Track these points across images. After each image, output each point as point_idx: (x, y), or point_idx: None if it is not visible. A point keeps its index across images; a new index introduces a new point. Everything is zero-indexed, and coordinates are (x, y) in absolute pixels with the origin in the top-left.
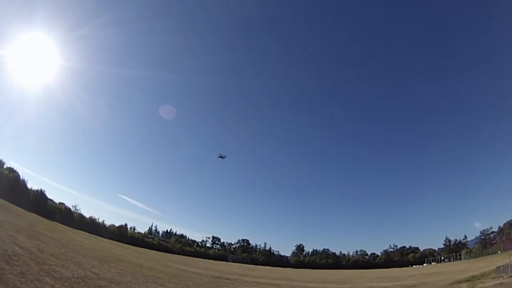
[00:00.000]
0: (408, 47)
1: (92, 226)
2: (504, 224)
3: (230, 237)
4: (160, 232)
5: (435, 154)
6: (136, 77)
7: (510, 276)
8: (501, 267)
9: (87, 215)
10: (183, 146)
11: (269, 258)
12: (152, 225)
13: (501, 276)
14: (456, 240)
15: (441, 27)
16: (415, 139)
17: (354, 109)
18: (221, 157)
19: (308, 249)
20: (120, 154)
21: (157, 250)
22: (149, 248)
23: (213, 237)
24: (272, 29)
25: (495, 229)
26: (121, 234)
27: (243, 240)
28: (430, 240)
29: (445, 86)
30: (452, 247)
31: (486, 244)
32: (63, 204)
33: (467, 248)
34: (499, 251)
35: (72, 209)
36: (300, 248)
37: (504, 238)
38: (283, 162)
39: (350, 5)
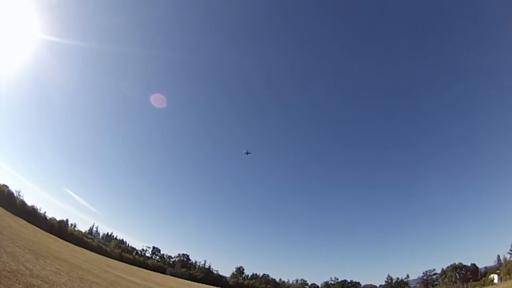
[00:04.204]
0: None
1: (32, 216)
2: (448, 266)
3: (170, 250)
4: (101, 234)
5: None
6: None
7: None
8: None
9: (29, 203)
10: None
11: (208, 276)
12: (93, 225)
13: None
14: (398, 278)
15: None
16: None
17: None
18: (247, 153)
19: (247, 272)
20: (71, 145)
21: (95, 252)
22: (87, 249)
23: (154, 247)
24: None
25: (438, 270)
26: (61, 229)
27: (183, 254)
28: (371, 276)
29: None
30: (393, 285)
31: (428, 284)
32: (7, 187)
33: (409, 287)
34: None
35: (15, 194)
36: (239, 270)
37: (446, 280)
38: (234, 179)
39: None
